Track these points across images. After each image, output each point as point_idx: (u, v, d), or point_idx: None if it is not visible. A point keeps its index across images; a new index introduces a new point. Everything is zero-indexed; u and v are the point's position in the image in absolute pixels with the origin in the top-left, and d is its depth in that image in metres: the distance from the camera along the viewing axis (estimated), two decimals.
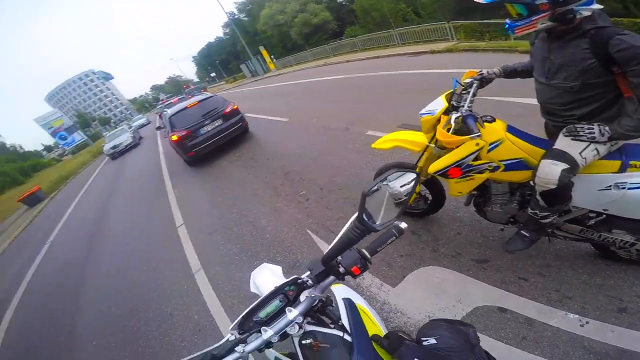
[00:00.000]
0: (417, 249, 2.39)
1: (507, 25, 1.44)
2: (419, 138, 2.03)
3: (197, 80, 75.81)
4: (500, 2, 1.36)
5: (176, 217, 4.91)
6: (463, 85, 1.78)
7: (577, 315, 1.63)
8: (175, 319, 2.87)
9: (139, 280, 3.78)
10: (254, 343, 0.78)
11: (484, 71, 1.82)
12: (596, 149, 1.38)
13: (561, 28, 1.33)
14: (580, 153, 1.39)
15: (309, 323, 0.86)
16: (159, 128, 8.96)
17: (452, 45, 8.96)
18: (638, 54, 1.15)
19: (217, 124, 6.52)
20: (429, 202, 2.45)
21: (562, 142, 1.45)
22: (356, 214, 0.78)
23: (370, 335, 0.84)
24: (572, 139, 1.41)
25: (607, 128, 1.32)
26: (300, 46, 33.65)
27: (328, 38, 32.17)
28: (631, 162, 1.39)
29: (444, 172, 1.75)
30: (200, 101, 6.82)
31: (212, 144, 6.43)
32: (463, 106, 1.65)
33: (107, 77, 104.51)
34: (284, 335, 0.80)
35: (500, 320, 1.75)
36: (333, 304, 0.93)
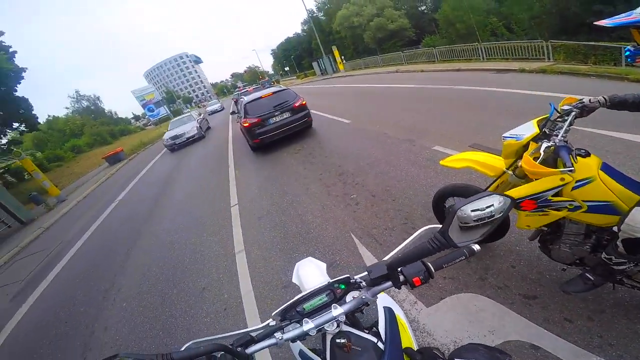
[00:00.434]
0: (463, 274, 2.30)
1: (627, 52, 1.31)
2: (496, 162, 1.91)
3: (272, 72, 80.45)
4: (625, 25, 1.25)
5: (232, 196, 5.30)
6: (560, 113, 1.62)
7: None
8: (206, 294, 3.03)
9: (185, 248, 4.13)
10: (292, 332, 0.79)
11: (586, 99, 1.64)
12: None
13: None
14: None
15: (344, 323, 0.87)
16: (233, 113, 9.94)
17: (547, 66, 8.08)
18: None
19: (285, 116, 6.89)
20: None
21: None
22: (429, 226, 0.79)
23: (403, 347, 0.84)
24: None
25: None
26: (371, 50, 33.55)
27: (403, 45, 31.52)
28: None
29: (517, 203, 1.62)
30: (274, 92, 7.26)
31: (277, 134, 6.83)
32: (557, 135, 1.50)
33: (198, 60, 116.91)
34: (320, 330, 0.81)
35: (528, 356, 1.67)
36: (363, 311, 0.92)
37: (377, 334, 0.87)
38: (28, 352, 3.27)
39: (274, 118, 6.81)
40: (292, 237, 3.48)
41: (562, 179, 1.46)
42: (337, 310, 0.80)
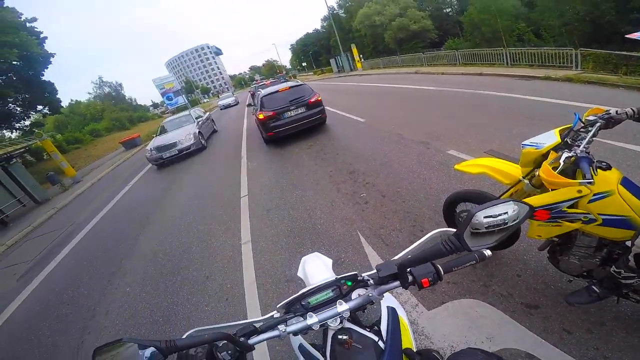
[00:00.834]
0: (466, 280, 2.29)
1: None
2: (513, 170, 1.88)
3: (290, 67, 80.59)
4: None
5: (243, 186, 5.37)
6: (584, 123, 1.58)
7: None
8: (209, 283, 3.06)
9: (192, 236, 4.20)
10: (295, 325, 0.79)
11: (613, 110, 1.58)
12: None
13: None
14: None
15: (347, 320, 0.87)
16: (249, 105, 10.12)
17: (573, 74, 7.79)
18: None
19: (300, 111, 6.92)
20: None
21: None
22: (442, 229, 0.79)
23: (403, 348, 0.85)
24: None
25: None
26: (391, 50, 33.12)
27: (424, 47, 30.99)
28: None
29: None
30: (291, 87, 7.31)
31: (291, 128, 6.87)
32: (579, 146, 1.46)
33: (218, 52, 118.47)
34: (322, 326, 0.81)
35: None
36: (364, 310, 0.92)
37: (378, 333, 0.87)
38: (27, 334, 3.35)
39: (289, 112, 6.84)
40: (299, 231, 3.49)
41: (580, 191, 1.42)
42: (343, 307, 0.80)
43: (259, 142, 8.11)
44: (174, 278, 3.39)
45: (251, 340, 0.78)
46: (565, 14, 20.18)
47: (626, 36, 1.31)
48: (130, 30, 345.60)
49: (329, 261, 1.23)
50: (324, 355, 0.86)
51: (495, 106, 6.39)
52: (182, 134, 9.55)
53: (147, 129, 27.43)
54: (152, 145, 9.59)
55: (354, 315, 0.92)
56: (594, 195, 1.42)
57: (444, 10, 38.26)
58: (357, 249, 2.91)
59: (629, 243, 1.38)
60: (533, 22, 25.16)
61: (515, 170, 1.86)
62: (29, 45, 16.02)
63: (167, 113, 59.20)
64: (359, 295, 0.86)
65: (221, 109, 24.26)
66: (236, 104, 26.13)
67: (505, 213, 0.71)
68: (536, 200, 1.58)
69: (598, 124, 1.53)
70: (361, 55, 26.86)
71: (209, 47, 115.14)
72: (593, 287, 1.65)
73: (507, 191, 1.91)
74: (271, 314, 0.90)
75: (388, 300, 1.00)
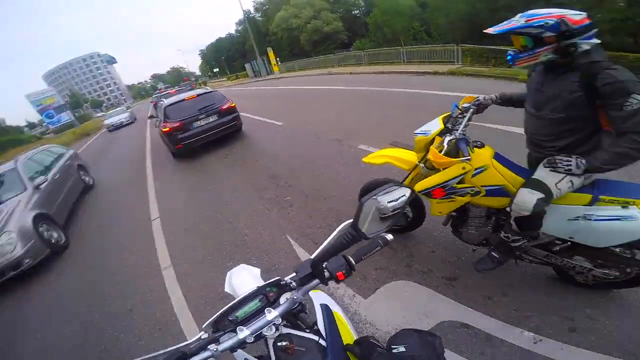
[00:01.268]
0: (391, 264, 2.43)
1: (509, 57, 1.48)
2: (410, 157, 2.05)
3: (199, 74, 75.84)
4: (509, 32, 1.38)
5: (152, 209, 4.76)
6: (460, 110, 1.81)
7: (532, 333, 1.73)
8: (135, 316, 2.73)
9: (103, 271, 3.59)
10: (227, 342, 0.75)
11: (481, 97, 1.87)
12: (571, 181, 1.42)
13: (560, 61, 1.34)
14: (556, 184, 1.42)
15: (284, 326, 0.85)
16: (151, 117, 8.93)
17: (455, 69, 9.13)
18: (622, 87, 1.18)
19: (211, 120, 6.44)
20: (409, 219, 2.44)
21: (541, 173, 1.48)
22: (349, 221, 0.79)
23: (345, 343, 0.87)
24: (551, 170, 1.45)
25: (583, 161, 1.35)
26: (307, 52, 34.00)
27: (336, 48, 32.56)
28: (601, 197, 1.44)
29: (429, 192, 1.78)
30: (199, 95, 6.76)
31: (202, 139, 6.34)
32: (457, 130, 1.67)
33: (111, 60, 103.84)
34: (258, 337, 0.78)
35: (462, 335, 1.81)
36: (306, 311, 0.93)
37: (318, 332, 0.88)
38: None
39: (198, 122, 6.30)
40: (224, 246, 3.28)
41: (464, 168, 1.61)
42: (272, 314, 0.78)
43: (167, 158, 7.27)
44: (92, 318, 2.86)
45: None
46: (450, 13, 23.35)
47: (484, 31, 1.49)
48: None
49: (257, 270, 1.20)
50: None
51: (396, 101, 7.05)
52: None
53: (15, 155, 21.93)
54: None
55: (292, 319, 0.91)
56: (475, 170, 1.62)
57: (353, 12, 40.87)
58: (289, 253, 2.88)
59: (509, 209, 1.59)
60: (425, 22, 28.58)
61: (412, 157, 2.01)
62: None
63: (49, 133, 49.56)
64: (287, 299, 0.85)
65: (110, 131, 18.99)
66: (132, 122, 19.78)
67: (401, 197, 0.78)
68: (431, 180, 1.73)
69: (471, 110, 1.78)
70: (278, 59, 26.83)
71: (99, 56, 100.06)
72: (493, 253, 1.86)
73: (408, 176, 2.05)
74: (199, 335, 0.86)
75: (320, 298, 1.01)
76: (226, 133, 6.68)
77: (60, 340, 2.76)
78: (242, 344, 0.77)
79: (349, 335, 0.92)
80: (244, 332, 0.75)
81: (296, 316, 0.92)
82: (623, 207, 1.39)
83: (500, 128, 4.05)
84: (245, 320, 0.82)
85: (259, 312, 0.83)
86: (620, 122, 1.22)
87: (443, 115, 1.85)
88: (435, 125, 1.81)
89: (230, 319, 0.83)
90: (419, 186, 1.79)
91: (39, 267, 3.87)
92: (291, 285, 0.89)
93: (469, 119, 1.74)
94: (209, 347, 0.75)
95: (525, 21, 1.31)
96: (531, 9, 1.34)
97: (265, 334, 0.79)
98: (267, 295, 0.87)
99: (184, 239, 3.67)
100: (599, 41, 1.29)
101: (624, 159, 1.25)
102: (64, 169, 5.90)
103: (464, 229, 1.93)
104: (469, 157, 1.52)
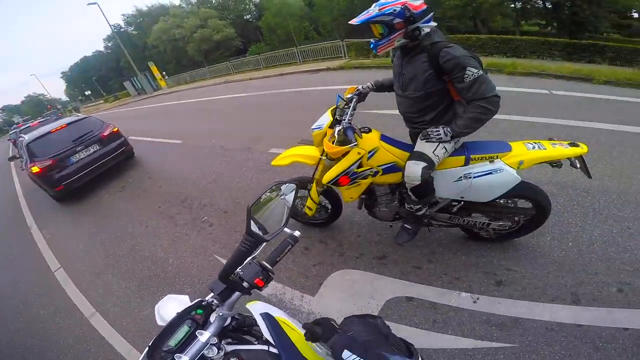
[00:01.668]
0: (326, 256, 2.49)
1: (372, 45, 1.61)
2: (313, 152, 2.12)
3: (67, 99, 63.63)
4: (368, 21, 1.51)
5: (50, 260, 3.92)
6: (345, 100, 1.93)
7: (468, 294, 1.92)
8: None
9: (16, 335, 2.94)
10: None
11: (360, 87, 2.03)
12: (444, 147, 1.65)
13: (410, 45, 1.54)
14: (433, 152, 1.63)
15: (229, 344, 0.84)
16: (12, 158, 6.97)
17: (344, 63, 9.87)
18: (459, 63, 1.41)
19: (92, 150, 5.43)
20: (329, 211, 2.54)
21: (420, 145, 1.69)
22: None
23: (295, 339, 0.88)
24: (426, 142, 1.66)
25: (448, 129, 1.58)
26: (197, 63, 31.91)
27: (231, 55, 31.43)
28: (472, 156, 1.71)
29: (336, 181, 1.87)
30: (69, 124, 5.60)
31: (87, 174, 5.30)
32: (344, 119, 1.78)
33: None
34: None
35: (409, 308, 1.94)
36: (258, 325, 0.93)
37: (267, 342, 0.87)
38: None
39: (76, 155, 5.24)
40: (149, 281, 2.95)
41: (359, 153, 1.74)
42: (204, 335, 0.76)
43: (49, 203, 5.88)
44: None
45: None
46: (334, 11, 24.78)
47: (349, 22, 1.62)
48: None
49: (185, 297, 1.15)
50: None
51: (300, 101, 7.23)
52: None
53: None
54: None
55: (237, 336, 0.91)
56: (369, 153, 1.76)
57: (245, 17, 39.78)
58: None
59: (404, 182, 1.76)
60: (314, 21, 29.84)
61: (315, 152, 2.10)
62: None
63: None
64: (216, 317, 0.85)
65: None
66: None
67: (294, 190, 0.82)
68: (333, 171, 1.83)
69: (354, 99, 1.92)
70: (164, 72, 24.42)
71: None
72: (405, 225, 2.04)
73: (315, 170, 2.12)
74: None
75: (259, 309, 1.00)
76: (115, 162, 5.74)
77: None
78: None
79: (298, 335, 0.92)
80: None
81: (248, 332, 0.94)
82: (490, 161, 1.68)
83: (382, 112, 4.55)
84: (182, 348, 0.79)
85: (192, 337, 0.81)
86: (465, 92, 1.46)
87: (331, 108, 1.96)
88: (326, 118, 1.92)
89: (165, 349, 0.79)
90: (326, 177, 1.86)
91: None
92: (213, 304, 0.89)
93: (354, 108, 1.88)
94: None
95: (379, 10, 1.46)
96: None
97: (209, 356, 0.77)
98: (194, 319, 0.85)
99: (100, 283, 3.17)
100: (435, 24, 1.52)
101: (477, 122, 1.50)
102: None
103: (376, 208, 2.10)
104: (356, 143, 1.65)
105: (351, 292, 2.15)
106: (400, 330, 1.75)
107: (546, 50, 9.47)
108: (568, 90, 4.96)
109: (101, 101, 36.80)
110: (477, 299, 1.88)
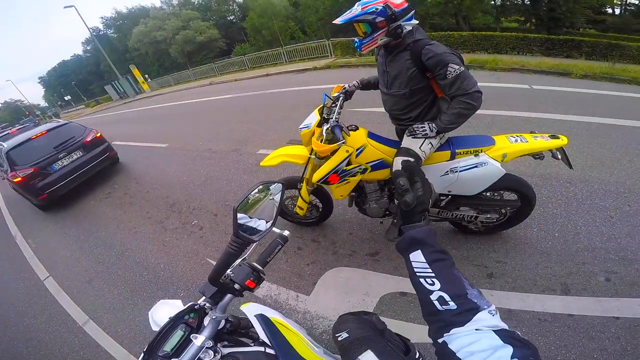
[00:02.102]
0: (319, 255, 2.49)
1: (356, 44, 1.62)
2: (302, 151, 2.11)
3: (46, 104, 61.61)
4: (351, 21, 1.52)
5: (38, 270, 3.82)
6: (332, 99, 1.94)
7: None
8: None
9: (15, 344, 2.86)
10: None
11: (346, 85, 2.04)
12: (430, 142, 1.68)
13: (393, 43, 1.56)
14: (420, 147, 1.66)
15: (225, 347, 0.84)
16: None
17: (330, 62, 9.90)
18: (440, 60, 1.44)
19: (76, 157, 5.28)
20: (320, 210, 2.55)
21: (406, 141, 1.71)
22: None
23: (290, 343, 0.87)
24: (412, 138, 1.69)
25: (433, 125, 1.62)
26: (181, 65, 31.41)
27: (215, 56, 31.05)
28: (457, 150, 1.76)
29: (326, 180, 1.87)
30: (49, 130, 5.42)
31: (71, 181, 5.15)
32: (332, 118, 1.79)
33: None
34: None
35: (404, 303, 1.95)
36: (254, 327, 0.93)
37: (263, 343, 0.87)
38: None
39: (59, 162, 5.09)
40: (141, 287, 2.90)
41: (347, 151, 1.75)
42: (199, 339, 0.76)
43: (33, 212, 5.69)
44: None
45: None
46: (319, 10, 24.72)
47: (333, 22, 1.62)
48: None
49: (177, 302, 1.17)
50: None
51: (287, 100, 7.20)
52: None
53: None
54: None
55: (234, 339, 0.91)
56: (357, 150, 1.78)
57: (228, 18, 39.29)
58: None
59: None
60: (299, 21, 29.71)
61: (304, 151, 2.09)
62: None
63: None
64: (210, 320, 0.85)
65: None
66: None
67: (281, 190, 0.82)
68: (323, 169, 1.83)
69: (341, 98, 1.93)
70: (146, 75, 23.91)
71: None
72: (395, 221, 2.03)
73: (305, 169, 2.12)
74: None
75: (253, 310, 1.00)
76: (100, 168, 5.59)
77: None
78: None
79: (294, 335, 0.93)
80: None
81: (245, 333, 0.94)
82: (475, 155, 1.72)
83: (369, 110, 4.59)
84: (177, 352, 0.79)
85: (187, 341, 0.81)
86: (448, 88, 1.49)
87: (319, 107, 1.96)
88: (314, 117, 1.92)
89: (161, 355, 0.79)
90: (316, 176, 1.87)
91: None
92: (206, 307, 0.89)
93: (341, 107, 1.90)
94: None
95: (362, 9, 1.47)
96: None
97: (206, 359, 0.77)
98: (187, 323, 0.85)
99: (91, 291, 3.11)
100: (417, 22, 1.54)
101: (460, 117, 1.53)
102: None
103: (366, 205, 2.11)
104: (344, 141, 1.66)
105: (345, 290, 2.16)
106: (396, 326, 1.77)
107: (525, 46, 9.75)
108: (547, 84, 5.12)
109: (82, 106, 35.80)
110: None
